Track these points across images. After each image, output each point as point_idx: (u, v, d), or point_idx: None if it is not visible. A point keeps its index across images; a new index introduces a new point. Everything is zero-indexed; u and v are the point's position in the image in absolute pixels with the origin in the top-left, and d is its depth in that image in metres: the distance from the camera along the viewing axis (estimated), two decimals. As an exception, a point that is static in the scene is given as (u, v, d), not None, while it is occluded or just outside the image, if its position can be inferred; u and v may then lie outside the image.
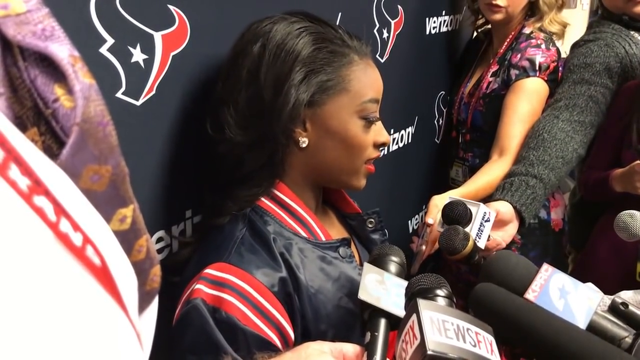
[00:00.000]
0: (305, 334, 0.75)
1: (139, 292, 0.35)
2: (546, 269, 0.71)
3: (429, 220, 1.20)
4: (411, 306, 0.55)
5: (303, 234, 0.81)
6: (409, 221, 1.61)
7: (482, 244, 1.07)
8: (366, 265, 0.71)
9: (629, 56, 1.45)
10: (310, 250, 0.79)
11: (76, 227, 0.28)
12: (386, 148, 1.41)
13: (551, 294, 0.68)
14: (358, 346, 0.62)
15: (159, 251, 0.83)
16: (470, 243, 1.04)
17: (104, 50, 0.68)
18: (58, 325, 0.26)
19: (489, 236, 1.11)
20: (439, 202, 1.20)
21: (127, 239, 0.35)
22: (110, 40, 0.68)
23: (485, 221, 1.08)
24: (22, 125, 0.31)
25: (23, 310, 0.24)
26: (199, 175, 0.87)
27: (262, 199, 0.81)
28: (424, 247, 1.24)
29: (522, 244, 1.58)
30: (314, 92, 0.76)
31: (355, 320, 0.79)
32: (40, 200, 0.26)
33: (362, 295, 0.67)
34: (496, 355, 0.53)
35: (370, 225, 0.93)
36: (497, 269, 0.71)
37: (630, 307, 0.69)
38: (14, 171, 0.25)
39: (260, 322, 0.70)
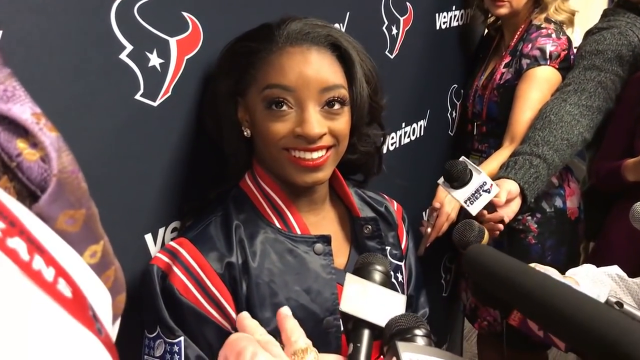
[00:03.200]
0: None
1: None
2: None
3: (436, 205, 1.23)
4: (390, 349, 0.55)
5: (277, 224, 0.85)
6: (423, 212, 1.64)
7: (473, 210, 1.09)
8: (348, 275, 0.70)
9: None
10: (278, 242, 0.83)
11: (49, 262, 0.30)
12: (398, 141, 1.45)
13: None
14: (340, 357, 0.62)
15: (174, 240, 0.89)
16: (485, 239, 1.05)
17: (123, 56, 0.74)
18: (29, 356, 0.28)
19: (493, 208, 1.12)
20: None
21: (96, 271, 0.37)
22: (129, 47, 0.74)
23: (484, 191, 1.10)
24: None
25: None
26: (210, 169, 0.92)
27: (250, 185, 0.87)
28: (429, 230, 1.27)
29: (539, 233, 1.60)
30: (232, 83, 0.82)
31: (306, 315, 0.81)
32: (13, 242, 0.28)
33: (344, 306, 0.66)
34: None
35: (366, 232, 0.92)
36: None
37: (625, 307, 0.69)
38: None
39: (200, 297, 0.77)
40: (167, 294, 0.77)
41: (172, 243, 0.81)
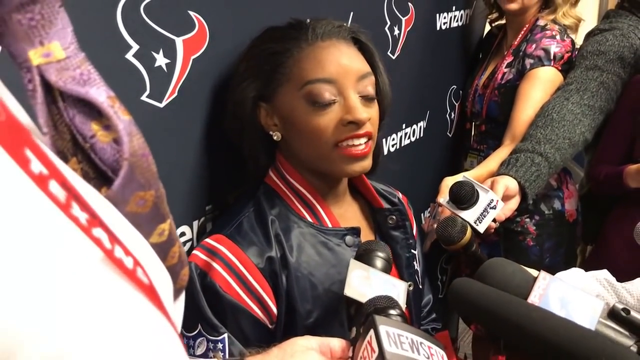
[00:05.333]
0: (290, 311, 0.80)
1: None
2: (544, 277, 0.69)
3: (441, 200, 1.22)
4: (368, 323, 0.58)
5: (309, 218, 0.85)
6: (422, 214, 1.64)
7: (481, 228, 1.09)
8: (352, 261, 0.73)
9: None
10: (312, 235, 0.84)
11: (127, 252, 0.31)
12: (399, 142, 1.44)
13: (552, 304, 0.66)
14: (344, 341, 0.64)
15: (182, 245, 0.87)
16: (468, 235, 1.05)
17: (129, 56, 0.72)
18: (119, 338, 0.29)
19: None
20: (450, 183, 1.22)
21: (164, 248, 0.38)
22: (135, 47, 0.72)
23: (491, 208, 1.10)
24: (64, 158, 0.34)
25: (89, 327, 0.28)
26: (218, 171, 0.91)
27: (276, 180, 0.87)
28: (435, 226, 1.26)
29: (537, 235, 1.60)
30: (261, 87, 0.82)
31: (342, 305, 0.81)
32: (97, 232, 0.29)
33: (348, 291, 0.69)
34: None
35: (390, 222, 0.94)
36: (493, 278, 0.69)
37: (632, 313, 0.67)
38: (75, 209, 0.28)
39: (242, 292, 0.77)
40: (208, 291, 0.76)
41: (208, 240, 0.80)
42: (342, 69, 0.80)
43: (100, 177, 0.35)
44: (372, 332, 0.56)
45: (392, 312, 0.62)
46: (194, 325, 0.76)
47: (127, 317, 0.30)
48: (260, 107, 0.83)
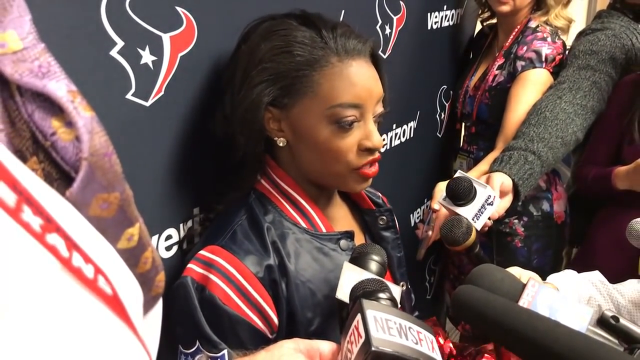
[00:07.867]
0: (291, 320, 0.79)
1: (146, 298, 0.38)
2: (533, 285, 0.69)
3: (435, 206, 1.20)
4: (355, 307, 0.57)
5: (303, 224, 0.83)
6: (411, 215, 1.63)
7: (479, 225, 1.08)
8: (345, 264, 0.72)
9: (634, 49, 1.46)
10: (307, 241, 0.82)
11: (87, 259, 0.29)
12: (389, 142, 1.42)
13: (540, 312, 0.65)
14: (334, 344, 0.62)
15: (168, 248, 0.85)
16: (473, 236, 1.04)
17: (114, 52, 0.70)
18: (76, 355, 0.27)
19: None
20: (443, 187, 1.21)
21: (134, 254, 0.36)
22: (120, 43, 0.70)
23: (488, 204, 1.08)
24: (22, 157, 0.31)
25: (43, 346, 0.26)
26: (206, 173, 0.88)
27: (267, 187, 0.84)
28: (430, 233, 1.24)
29: (526, 236, 1.60)
30: (278, 94, 0.77)
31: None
32: (52, 238, 0.27)
33: (339, 294, 0.68)
34: (437, 353, 0.55)
35: (381, 223, 0.94)
36: (482, 285, 0.69)
37: (622, 321, 0.67)
38: (26, 213, 0.26)
39: (242, 304, 0.75)
40: (207, 305, 0.74)
41: (203, 252, 0.77)
42: (368, 94, 0.78)
43: (64, 178, 0.33)
44: (359, 316, 0.55)
45: (381, 295, 0.61)
46: (192, 341, 0.74)
47: (85, 331, 0.28)
48: (267, 110, 0.79)
